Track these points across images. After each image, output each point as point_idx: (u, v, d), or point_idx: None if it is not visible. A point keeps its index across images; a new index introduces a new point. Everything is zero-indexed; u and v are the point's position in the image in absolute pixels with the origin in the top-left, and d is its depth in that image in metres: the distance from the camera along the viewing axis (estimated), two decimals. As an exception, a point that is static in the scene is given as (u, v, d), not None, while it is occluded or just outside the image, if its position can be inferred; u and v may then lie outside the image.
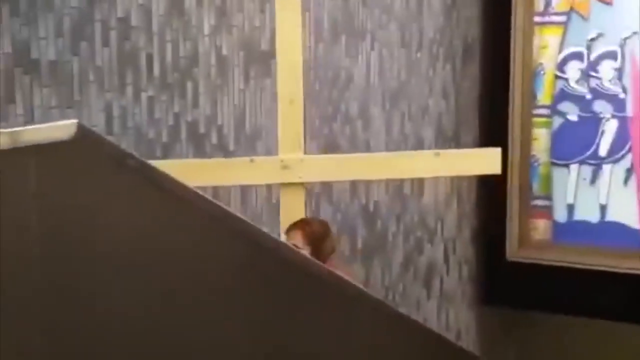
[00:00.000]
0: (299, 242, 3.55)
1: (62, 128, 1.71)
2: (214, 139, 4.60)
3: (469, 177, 6.15)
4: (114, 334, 1.67)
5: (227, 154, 4.63)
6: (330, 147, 5.24)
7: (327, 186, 5.21)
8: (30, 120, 3.79)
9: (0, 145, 1.56)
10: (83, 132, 1.71)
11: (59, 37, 3.91)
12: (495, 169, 3.62)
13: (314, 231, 3.62)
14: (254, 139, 4.81)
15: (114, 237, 1.72)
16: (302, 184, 3.94)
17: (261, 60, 4.79)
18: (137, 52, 4.20)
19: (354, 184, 5.44)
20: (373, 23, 5.46)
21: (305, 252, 3.44)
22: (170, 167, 3.47)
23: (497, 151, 3.65)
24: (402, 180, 5.73)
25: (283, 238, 3.65)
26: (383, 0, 5.51)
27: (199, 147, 4.52)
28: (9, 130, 1.57)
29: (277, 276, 1.66)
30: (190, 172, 3.69)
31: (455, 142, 6.15)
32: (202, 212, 1.76)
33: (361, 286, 1.83)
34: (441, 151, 4.00)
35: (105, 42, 4.08)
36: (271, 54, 4.56)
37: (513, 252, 6.27)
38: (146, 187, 1.76)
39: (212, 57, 4.56)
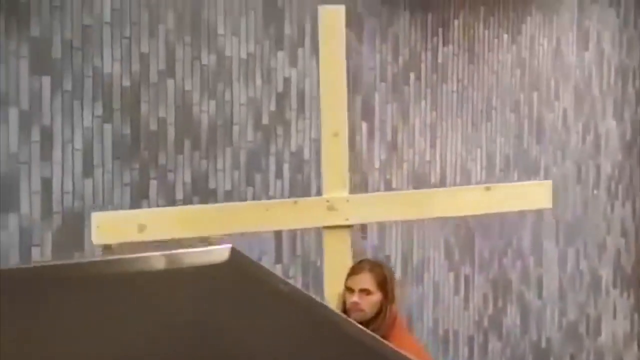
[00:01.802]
0: (370, 287, 2.99)
1: (216, 252, 1.76)
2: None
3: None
4: None
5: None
6: (498, 278, 5.17)
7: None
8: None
9: (156, 267, 1.64)
10: (237, 257, 1.76)
11: (235, 169, 4.10)
12: (547, 203, 3.37)
13: (385, 274, 3.04)
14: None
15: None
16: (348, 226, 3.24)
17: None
18: (308, 184, 4.33)
19: (526, 320, 5.32)
20: (547, 159, 5.42)
21: (376, 297, 2.98)
22: (214, 211, 3.31)
23: (547, 184, 3.41)
24: (577, 319, 5.56)
25: (345, 282, 3.05)
26: (558, 138, 5.48)
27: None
28: (166, 252, 1.64)
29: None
30: (231, 215, 3.33)
31: (637, 281, 5.94)
32: (355, 343, 1.76)
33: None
34: (491, 185, 3.69)
35: (279, 174, 4.24)
36: (439, 187, 4.60)
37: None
38: (298, 315, 1.79)
39: (381, 190, 4.64)
